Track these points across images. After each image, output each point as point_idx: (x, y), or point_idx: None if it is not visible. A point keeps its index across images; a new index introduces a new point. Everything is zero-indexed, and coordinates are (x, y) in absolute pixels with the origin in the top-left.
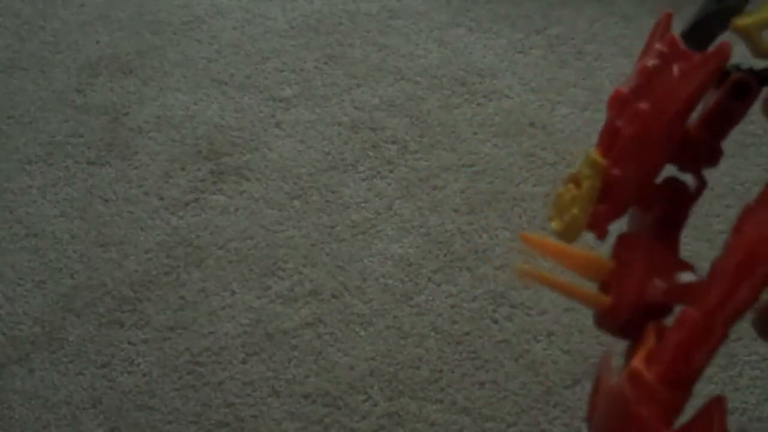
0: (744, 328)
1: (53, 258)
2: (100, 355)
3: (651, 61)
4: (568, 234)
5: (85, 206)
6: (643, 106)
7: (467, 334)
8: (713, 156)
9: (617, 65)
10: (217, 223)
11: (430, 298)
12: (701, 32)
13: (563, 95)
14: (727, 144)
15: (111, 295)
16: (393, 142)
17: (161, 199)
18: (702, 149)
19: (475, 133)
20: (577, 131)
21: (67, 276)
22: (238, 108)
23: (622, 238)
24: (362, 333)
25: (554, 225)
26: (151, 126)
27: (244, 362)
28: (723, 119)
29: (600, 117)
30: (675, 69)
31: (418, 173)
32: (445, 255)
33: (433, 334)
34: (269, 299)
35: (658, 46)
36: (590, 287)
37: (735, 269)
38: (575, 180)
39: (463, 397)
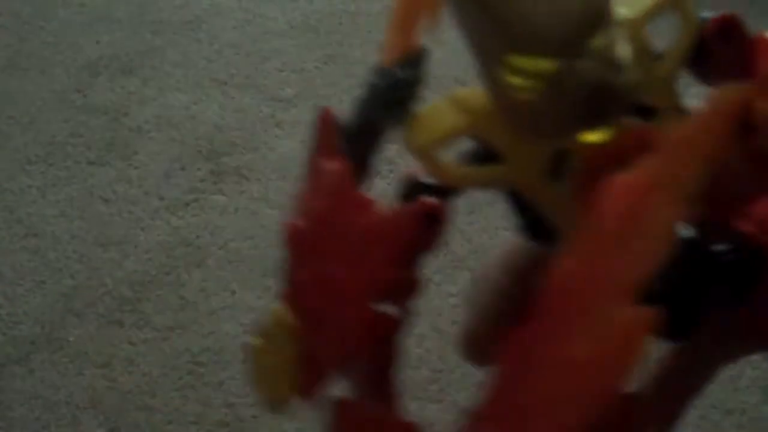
0: None
1: (53, 258)
2: (100, 355)
3: (323, 200)
4: (277, 408)
5: (85, 206)
6: (326, 269)
7: None
8: (413, 289)
9: None
10: (217, 223)
11: (430, 298)
12: (362, 141)
13: None
14: None
15: (111, 295)
16: (393, 142)
17: (161, 199)
18: (401, 286)
19: None
20: None
21: (67, 276)
22: (238, 108)
23: (339, 408)
24: None
25: (261, 394)
26: (151, 126)
27: (244, 362)
28: (415, 253)
29: None
30: (358, 225)
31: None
32: (445, 255)
33: (433, 334)
34: (269, 299)
35: (324, 177)
36: None
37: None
38: (269, 337)
39: (463, 397)
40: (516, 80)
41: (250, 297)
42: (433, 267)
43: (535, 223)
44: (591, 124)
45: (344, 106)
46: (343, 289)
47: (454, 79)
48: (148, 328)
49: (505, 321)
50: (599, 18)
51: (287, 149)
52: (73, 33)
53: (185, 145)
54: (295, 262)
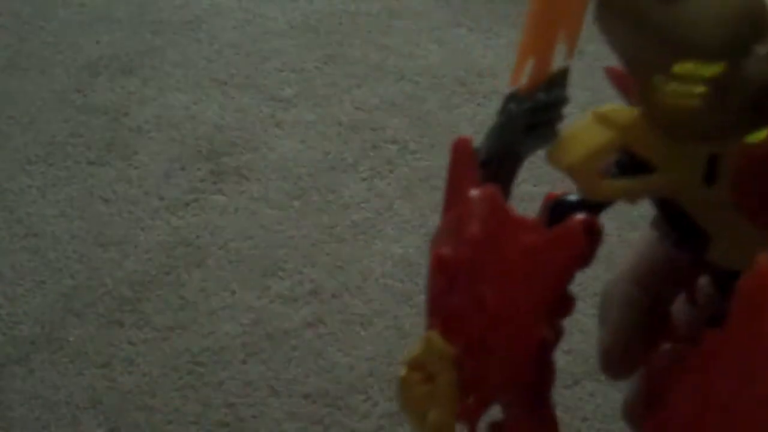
0: None
1: (53, 258)
2: (100, 355)
3: (476, 226)
4: None
5: (85, 206)
6: (487, 293)
7: None
8: (570, 306)
9: (617, 66)
10: (217, 223)
11: None
12: (501, 169)
13: None
14: None
15: (111, 295)
16: (393, 142)
17: (161, 199)
18: (560, 304)
19: (476, 133)
20: None
21: (67, 276)
22: (238, 108)
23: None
24: (362, 333)
25: (416, 425)
26: (151, 126)
27: (244, 362)
28: (575, 271)
29: None
30: (520, 247)
31: (419, 173)
32: None
33: None
34: (269, 299)
35: (474, 203)
36: None
37: None
38: (422, 368)
39: None
40: (680, 87)
41: (250, 297)
42: None
43: (682, 231)
44: (756, 124)
45: (344, 106)
46: (508, 312)
47: (454, 79)
48: (148, 328)
49: (640, 334)
50: (763, 21)
51: (287, 149)
52: (73, 33)
53: (185, 145)
54: (447, 289)
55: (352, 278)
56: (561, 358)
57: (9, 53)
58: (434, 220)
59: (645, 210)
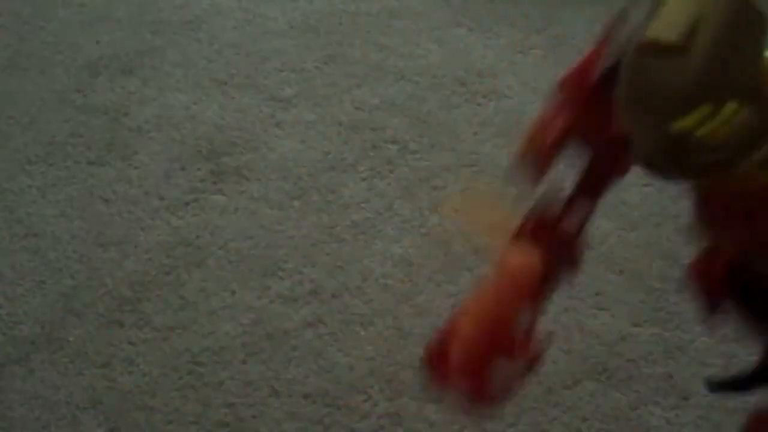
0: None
1: (53, 258)
2: (100, 355)
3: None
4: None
5: (85, 206)
6: None
7: None
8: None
9: None
10: (217, 223)
11: (430, 298)
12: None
13: None
14: None
15: (111, 295)
16: (393, 142)
17: (161, 199)
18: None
19: (475, 133)
20: None
21: (67, 276)
22: (238, 108)
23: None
24: (362, 333)
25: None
26: (151, 126)
27: (244, 362)
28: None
29: None
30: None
31: (418, 173)
32: (445, 255)
33: (432, 334)
34: (269, 299)
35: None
36: None
37: None
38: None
39: None
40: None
41: (250, 297)
42: (433, 267)
43: None
44: (723, 168)
45: (344, 106)
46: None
47: (454, 79)
48: (148, 328)
49: None
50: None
51: (287, 149)
52: (73, 33)
53: (185, 145)
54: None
55: (352, 278)
56: (561, 358)
57: (9, 53)
58: (434, 220)
59: (645, 210)
